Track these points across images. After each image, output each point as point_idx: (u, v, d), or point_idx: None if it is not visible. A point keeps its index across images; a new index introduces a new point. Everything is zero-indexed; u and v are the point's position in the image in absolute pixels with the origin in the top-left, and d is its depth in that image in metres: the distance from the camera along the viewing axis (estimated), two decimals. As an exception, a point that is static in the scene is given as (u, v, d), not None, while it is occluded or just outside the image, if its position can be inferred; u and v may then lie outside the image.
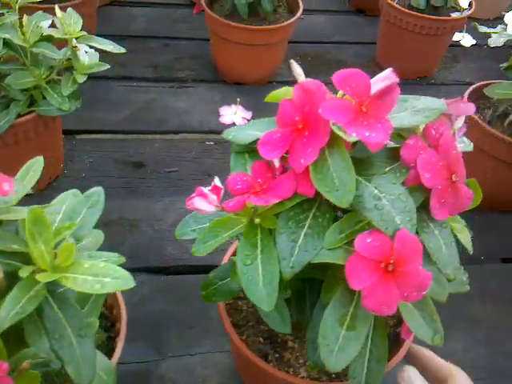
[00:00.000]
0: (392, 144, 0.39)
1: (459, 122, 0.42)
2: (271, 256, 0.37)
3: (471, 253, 0.43)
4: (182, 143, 1.04)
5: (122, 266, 0.77)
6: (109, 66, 0.82)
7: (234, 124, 1.09)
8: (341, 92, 0.36)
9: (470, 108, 0.41)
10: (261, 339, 0.53)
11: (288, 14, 1.17)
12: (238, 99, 1.07)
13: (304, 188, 0.36)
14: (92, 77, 1.16)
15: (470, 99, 0.93)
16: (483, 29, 0.88)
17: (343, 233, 0.36)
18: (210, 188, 0.40)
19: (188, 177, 0.97)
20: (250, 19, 1.13)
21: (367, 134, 0.33)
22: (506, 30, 0.82)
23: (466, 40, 1.36)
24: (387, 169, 0.37)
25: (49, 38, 0.74)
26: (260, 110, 1.14)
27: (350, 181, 0.34)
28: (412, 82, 1.29)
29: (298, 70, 0.41)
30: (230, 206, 0.37)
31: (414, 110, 0.39)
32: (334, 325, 0.35)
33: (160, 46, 1.31)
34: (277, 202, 0.36)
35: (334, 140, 0.35)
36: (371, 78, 0.36)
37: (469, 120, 0.89)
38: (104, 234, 0.83)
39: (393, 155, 0.38)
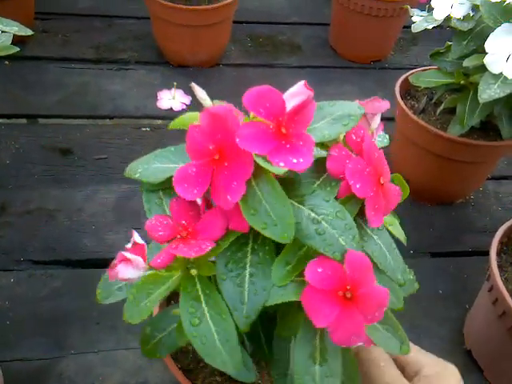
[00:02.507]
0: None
1: (376, 121, 0.40)
2: (220, 308, 0.32)
3: (405, 244, 0.40)
4: (115, 129, 1.01)
5: (34, 260, 0.76)
6: (18, 49, 0.78)
7: (171, 109, 1.06)
8: (252, 114, 0.32)
9: (385, 105, 0.39)
10: (217, 378, 0.49)
11: (231, -7, 1.12)
12: (175, 83, 1.04)
13: (236, 223, 0.32)
14: (28, 58, 1.14)
15: (404, 87, 0.91)
16: (414, 12, 0.84)
17: (289, 264, 0.32)
18: (129, 245, 0.34)
19: (117, 165, 0.94)
20: (192, 0, 1.09)
21: (294, 160, 0.30)
22: (431, 14, 0.79)
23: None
24: (316, 184, 0.34)
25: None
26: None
27: (287, 212, 0.30)
28: (364, 67, 1.25)
29: (200, 94, 0.36)
30: (159, 263, 0.32)
31: (332, 119, 0.37)
32: (306, 363, 0.32)
33: (105, 26, 1.27)
34: (211, 248, 0.32)
35: (259, 168, 0.31)
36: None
37: (399, 110, 0.86)
38: (18, 225, 0.82)
39: (318, 167, 0.35)
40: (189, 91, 1.07)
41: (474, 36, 0.75)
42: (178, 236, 0.33)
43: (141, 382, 0.66)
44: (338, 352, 0.33)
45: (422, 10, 0.87)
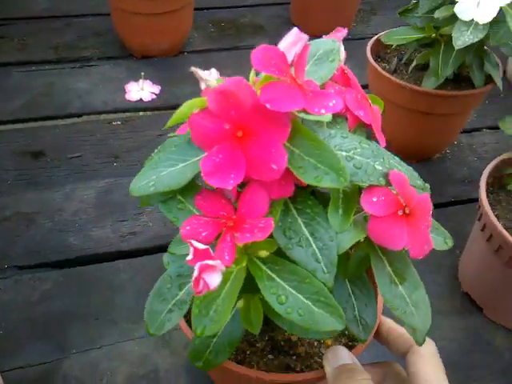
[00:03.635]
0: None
1: (343, 51, 0.39)
2: (299, 276, 0.31)
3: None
4: (86, 126, 0.98)
5: (19, 265, 0.73)
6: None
7: (141, 100, 1.03)
8: (265, 75, 0.30)
9: (344, 32, 0.38)
10: (269, 356, 0.46)
11: (188, -22, 1.10)
12: (143, 73, 1.02)
13: (278, 191, 0.30)
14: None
15: (375, 50, 0.91)
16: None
17: (339, 209, 0.31)
18: (191, 257, 0.28)
19: (92, 161, 0.91)
20: (148, -13, 1.07)
21: (330, 103, 0.29)
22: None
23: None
24: (326, 127, 0.34)
25: None
26: (170, 82, 1.10)
27: (334, 157, 0.29)
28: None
29: (202, 74, 0.33)
30: (228, 260, 0.29)
31: (316, 59, 0.36)
32: (391, 289, 0.33)
33: (63, 26, 1.23)
34: (272, 222, 0.29)
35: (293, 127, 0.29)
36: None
37: (372, 71, 0.86)
38: (-2, 233, 0.78)
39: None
40: (157, 81, 1.05)
41: (439, -12, 0.76)
42: (224, 229, 0.30)
43: (151, 371, 0.64)
44: (410, 266, 0.34)
45: None
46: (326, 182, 0.28)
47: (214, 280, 0.28)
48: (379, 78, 0.84)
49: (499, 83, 0.81)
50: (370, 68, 0.87)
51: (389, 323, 0.42)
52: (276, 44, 0.31)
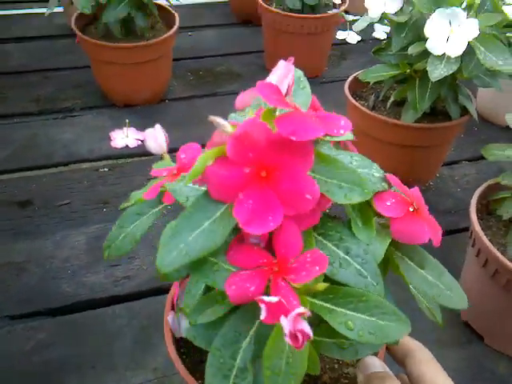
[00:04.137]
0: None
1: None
2: (351, 295, 0.30)
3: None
4: (73, 174, 0.98)
5: (10, 315, 0.71)
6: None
7: (127, 147, 1.04)
8: (266, 109, 0.30)
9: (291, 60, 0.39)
10: None
11: (167, 29, 1.14)
12: (127, 120, 1.03)
13: (310, 219, 0.30)
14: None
15: (351, 90, 0.95)
16: (349, 17, 0.90)
17: (359, 220, 0.34)
18: (264, 315, 0.26)
19: (82, 208, 0.90)
20: (128, 38, 1.10)
21: (342, 123, 0.31)
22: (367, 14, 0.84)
23: (351, 37, 1.40)
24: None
25: None
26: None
27: (353, 173, 0.30)
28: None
29: (221, 122, 0.30)
30: (296, 304, 0.28)
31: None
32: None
33: (41, 79, 1.25)
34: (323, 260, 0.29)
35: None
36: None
37: (352, 109, 0.89)
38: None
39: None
40: (141, 128, 1.06)
41: (410, 27, 0.81)
42: (271, 276, 0.29)
43: (152, 417, 0.62)
44: (428, 257, 0.35)
45: (344, 29, 0.93)
46: (355, 198, 0.29)
47: (307, 328, 0.25)
48: (359, 114, 0.88)
49: (474, 114, 0.86)
50: (349, 106, 0.91)
51: None
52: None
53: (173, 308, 0.47)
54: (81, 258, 0.81)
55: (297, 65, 0.34)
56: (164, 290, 0.76)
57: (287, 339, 0.25)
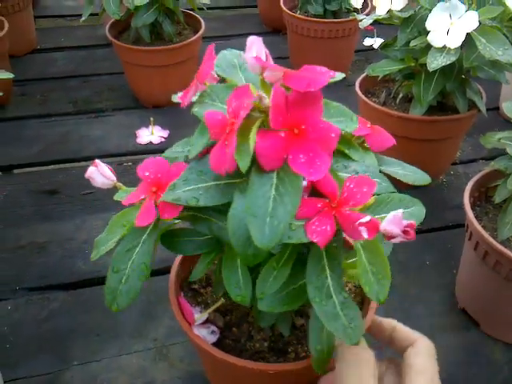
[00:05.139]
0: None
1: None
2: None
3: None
4: (99, 167, 1.05)
5: (29, 287, 0.77)
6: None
7: (150, 143, 1.11)
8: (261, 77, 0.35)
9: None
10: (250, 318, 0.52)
11: (194, 35, 1.21)
12: (152, 118, 1.10)
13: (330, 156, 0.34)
14: (8, 119, 1.19)
15: (364, 87, 0.97)
16: (360, 17, 0.92)
17: None
18: None
19: (104, 197, 0.97)
20: (157, 43, 1.17)
21: None
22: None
23: (378, 43, 1.42)
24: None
25: None
26: (178, 126, 1.18)
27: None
28: (330, 86, 1.33)
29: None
30: None
31: None
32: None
33: (80, 84, 1.34)
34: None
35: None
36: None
37: (362, 105, 0.92)
38: (11, 260, 0.83)
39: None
40: (166, 126, 1.12)
41: (416, 23, 0.83)
42: (335, 212, 0.34)
43: (148, 382, 0.65)
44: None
45: (371, 36, 0.97)
46: (351, 125, 0.38)
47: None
48: (368, 109, 0.90)
49: (483, 109, 0.86)
50: (360, 102, 0.93)
51: (390, 322, 0.44)
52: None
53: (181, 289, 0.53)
54: (97, 239, 0.86)
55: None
56: (168, 271, 0.80)
57: (401, 237, 0.33)
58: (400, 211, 0.32)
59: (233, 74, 0.40)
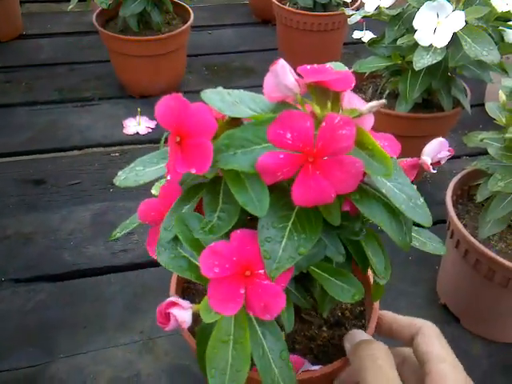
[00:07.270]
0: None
1: None
2: None
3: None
4: (85, 157, 1.05)
5: (15, 278, 0.77)
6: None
7: (137, 133, 1.11)
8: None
9: None
10: None
11: (183, 25, 1.20)
12: (139, 109, 1.10)
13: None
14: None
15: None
16: (349, 12, 0.93)
17: None
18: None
19: (90, 187, 0.97)
20: (145, 33, 1.16)
21: None
22: (363, 10, 0.87)
23: (367, 37, 1.42)
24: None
25: None
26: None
27: None
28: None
29: None
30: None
31: None
32: None
33: (66, 71, 1.33)
34: None
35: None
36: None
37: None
38: (-1, 250, 0.83)
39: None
40: (154, 117, 1.12)
41: (403, 21, 0.83)
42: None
43: (133, 375, 0.66)
44: None
45: (360, 29, 0.97)
46: None
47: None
48: (355, 105, 0.91)
49: (467, 107, 0.87)
50: (347, 97, 0.94)
51: (389, 314, 0.44)
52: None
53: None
54: (84, 231, 0.86)
55: (308, 61, 0.37)
56: (156, 263, 0.81)
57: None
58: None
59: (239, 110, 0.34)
